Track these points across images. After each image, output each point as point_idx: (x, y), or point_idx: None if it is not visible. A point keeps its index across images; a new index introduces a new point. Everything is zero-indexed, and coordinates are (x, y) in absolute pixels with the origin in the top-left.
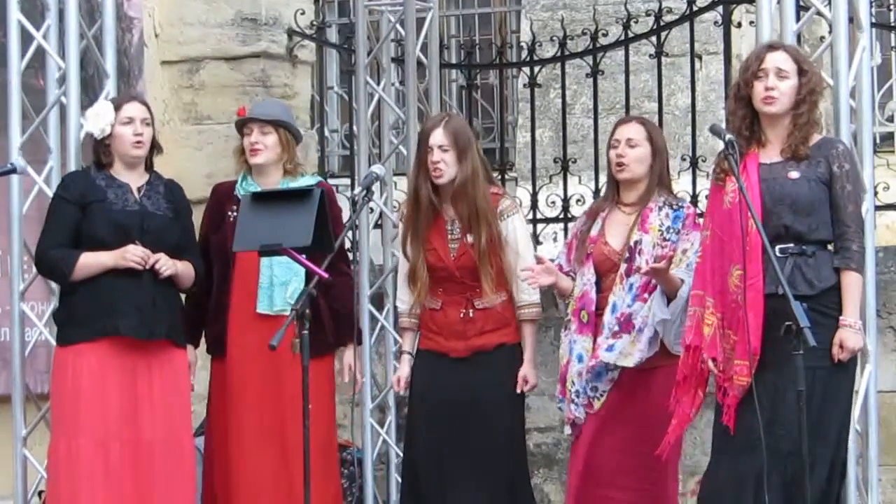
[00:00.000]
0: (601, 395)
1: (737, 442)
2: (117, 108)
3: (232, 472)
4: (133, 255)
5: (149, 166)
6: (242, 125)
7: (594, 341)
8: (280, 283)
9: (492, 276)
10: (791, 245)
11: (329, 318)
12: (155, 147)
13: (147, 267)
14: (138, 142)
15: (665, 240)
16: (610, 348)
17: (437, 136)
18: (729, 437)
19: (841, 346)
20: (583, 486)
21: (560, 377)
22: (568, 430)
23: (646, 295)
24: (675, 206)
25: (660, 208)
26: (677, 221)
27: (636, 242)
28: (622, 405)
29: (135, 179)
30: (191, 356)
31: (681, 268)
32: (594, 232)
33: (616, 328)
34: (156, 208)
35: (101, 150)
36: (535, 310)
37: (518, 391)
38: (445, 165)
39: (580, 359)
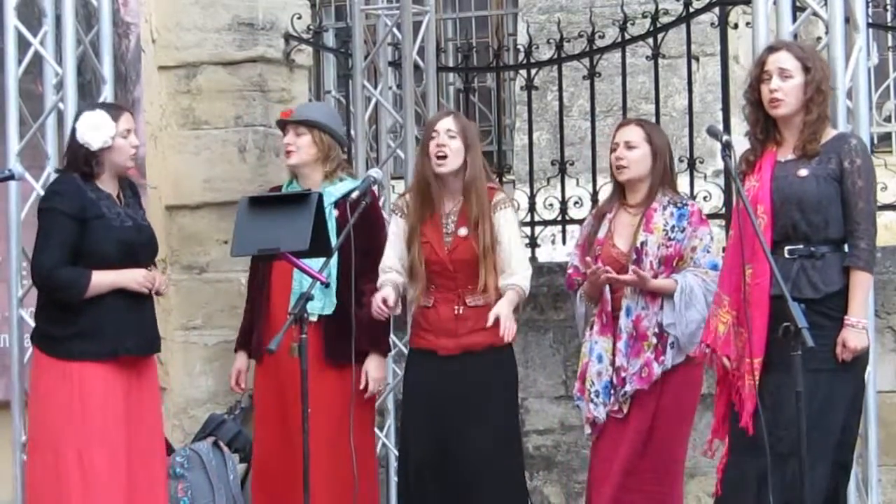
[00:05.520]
0: (628, 399)
1: (743, 442)
2: (114, 119)
3: (267, 473)
4: (147, 280)
5: None
6: (283, 127)
7: (614, 343)
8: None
9: (493, 272)
10: (800, 246)
11: (357, 328)
12: None
13: (153, 290)
14: (134, 154)
15: (670, 239)
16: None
17: (446, 123)
18: (738, 438)
19: (844, 346)
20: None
21: (579, 376)
22: (588, 429)
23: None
24: (679, 205)
25: (664, 207)
26: (682, 220)
27: (642, 243)
28: (641, 406)
29: (113, 188)
30: (242, 363)
31: (688, 265)
32: (601, 234)
33: (633, 332)
34: (140, 218)
35: (93, 160)
36: (524, 285)
37: (501, 333)
38: (450, 151)
39: (600, 359)
